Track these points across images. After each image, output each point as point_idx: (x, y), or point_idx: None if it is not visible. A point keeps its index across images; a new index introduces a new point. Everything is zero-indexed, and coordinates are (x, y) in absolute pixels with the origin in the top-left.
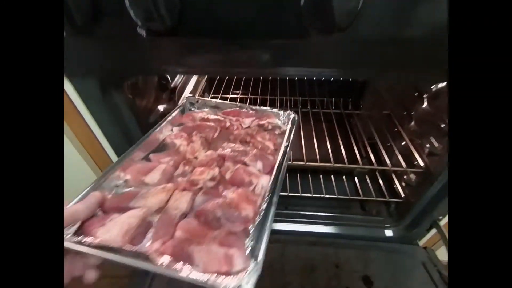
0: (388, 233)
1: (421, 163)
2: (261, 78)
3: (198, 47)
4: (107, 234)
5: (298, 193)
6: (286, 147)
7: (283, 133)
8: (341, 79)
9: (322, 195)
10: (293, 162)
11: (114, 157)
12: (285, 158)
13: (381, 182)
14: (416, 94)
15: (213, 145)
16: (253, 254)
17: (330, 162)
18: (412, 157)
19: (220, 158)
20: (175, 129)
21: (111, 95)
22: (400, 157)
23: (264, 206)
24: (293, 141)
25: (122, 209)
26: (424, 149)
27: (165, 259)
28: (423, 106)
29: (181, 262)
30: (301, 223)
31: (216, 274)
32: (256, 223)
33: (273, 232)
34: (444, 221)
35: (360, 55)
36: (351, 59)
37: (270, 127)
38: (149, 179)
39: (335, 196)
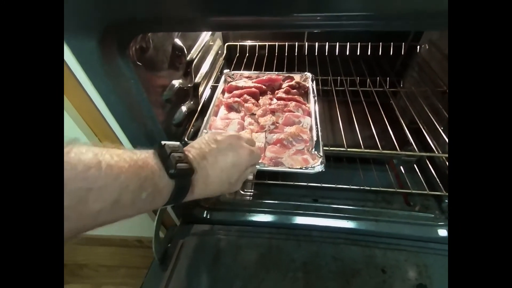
0: (442, 232)
1: None
2: (286, 56)
3: None
4: None
5: (332, 183)
6: (313, 97)
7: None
8: (379, 52)
9: (361, 187)
10: (331, 149)
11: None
12: (316, 105)
13: (433, 171)
14: None
15: (261, 103)
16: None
17: (376, 147)
18: None
19: (271, 111)
20: (226, 96)
21: (115, 60)
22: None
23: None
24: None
25: None
26: None
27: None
28: None
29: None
30: (334, 218)
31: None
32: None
33: (303, 228)
34: None
35: None
36: None
37: (297, 85)
38: (230, 129)
39: (376, 189)
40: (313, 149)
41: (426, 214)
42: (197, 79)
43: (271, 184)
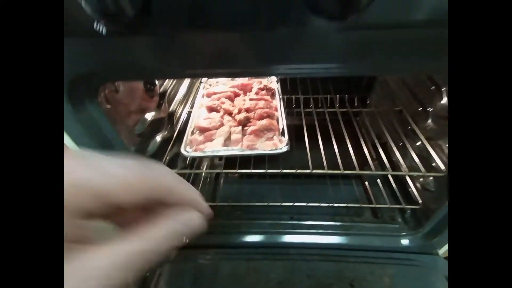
0: (405, 242)
1: (442, 166)
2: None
3: (175, 43)
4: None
5: (304, 202)
6: (279, 95)
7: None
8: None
9: (330, 204)
10: (298, 171)
11: None
12: (280, 101)
13: (394, 186)
14: (433, 87)
15: (236, 103)
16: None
17: (338, 168)
18: (430, 159)
19: (245, 110)
20: (206, 100)
21: (83, 106)
22: (416, 159)
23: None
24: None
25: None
26: (444, 150)
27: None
28: (442, 101)
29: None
30: (308, 234)
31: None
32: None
33: (280, 246)
34: None
35: (370, 45)
36: (361, 49)
37: (265, 88)
38: (213, 124)
39: (344, 205)
40: (281, 135)
41: (392, 225)
42: (172, 108)
43: (248, 206)
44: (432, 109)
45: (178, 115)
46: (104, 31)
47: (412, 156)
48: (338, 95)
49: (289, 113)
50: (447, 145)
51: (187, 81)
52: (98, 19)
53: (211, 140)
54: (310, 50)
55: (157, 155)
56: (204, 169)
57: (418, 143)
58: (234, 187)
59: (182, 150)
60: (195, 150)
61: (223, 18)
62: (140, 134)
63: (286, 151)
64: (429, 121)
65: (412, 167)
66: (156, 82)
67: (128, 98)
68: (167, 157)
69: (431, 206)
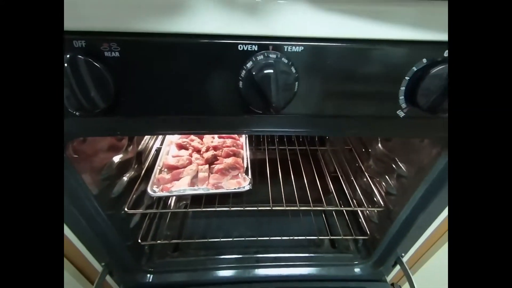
0: (358, 271)
1: (381, 201)
2: None
3: (143, 121)
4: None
5: (267, 236)
6: (245, 136)
7: None
8: None
9: (291, 237)
10: (260, 208)
11: None
12: (246, 139)
13: (347, 218)
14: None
15: (205, 141)
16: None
17: (295, 203)
18: (373, 194)
19: (213, 148)
20: (176, 137)
21: None
22: (361, 195)
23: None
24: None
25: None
26: (382, 188)
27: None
28: (378, 145)
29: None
30: (272, 267)
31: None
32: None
33: (245, 281)
34: (406, 258)
35: (302, 123)
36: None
37: None
38: (181, 162)
39: (304, 237)
40: (245, 174)
41: (346, 254)
42: (141, 147)
43: (214, 242)
44: (371, 151)
45: (147, 152)
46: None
47: (359, 192)
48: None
49: (253, 150)
50: (383, 184)
51: None
52: (76, 110)
53: (178, 179)
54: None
55: (123, 195)
56: (172, 207)
57: (364, 179)
58: (202, 223)
59: (149, 190)
60: (162, 190)
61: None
62: (106, 178)
63: (249, 189)
64: (371, 161)
65: (360, 201)
66: None
67: (96, 146)
68: (134, 196)
69: (377, 236)
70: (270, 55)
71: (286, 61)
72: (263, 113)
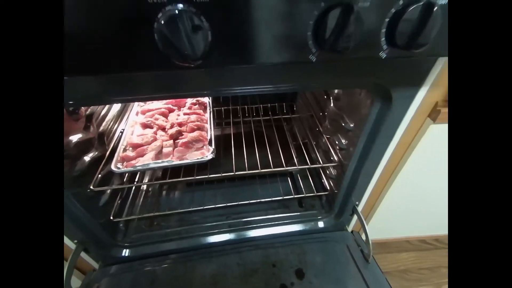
0: (321, 224)
1: (336, 158)
2: None
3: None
4: (145, 159)
5: (236, 201)
6: (209, 109)
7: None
8: None
9: (258, 200)
10: (223, 174)
11: None
12: (211, 114)
13: (310, 179)
14: (325, 96)
15: (170, 119)
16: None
17: (257, 168)
18: (330, 153)
19: (178, 124)
20: (140, 117)
21: None
22: (321, 155)
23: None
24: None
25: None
26: (336, 146)
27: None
28: (331, 106)
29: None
30: (243, 230)
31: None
32: (209, 139)
33: (217, 245)
34: (361, 207)
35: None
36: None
37: (197, 102)
38: (145, 140)
39: (270, 199)
40: (209, 145)
41: (312, 211)
42: (103, 127)
43: (188, 214)
44: (327, 113)
45: (111, 134)
46: None
47: (321, 152)
48: (269, 104)
49: (219, 124)
50: (337, 142)
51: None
52: None
53: (142, 155)
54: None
55: (87, 174)
56: (141, 181)
57: (323, 140)
58: (175, 199)
59: (113, 167)
60: (126, 166)
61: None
62: (64, 156)
63: (212, 158)
64: (326, 122)
65: (320, 160)
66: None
67: None
68: (99, 175)
69: (335, 190)
70: (178, 5)
71: (194, 9)
72: (185, 64)
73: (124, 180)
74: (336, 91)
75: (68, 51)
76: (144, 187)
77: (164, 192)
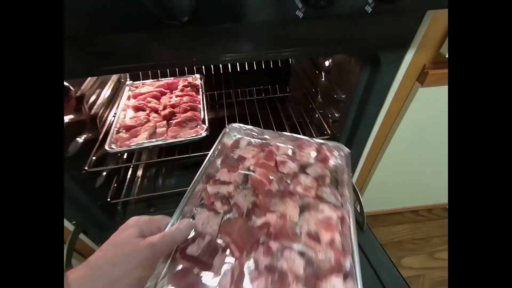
0: None
1: (329, 131)
2: (186, 72)
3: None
4: (139, 139)
5: None
6: (201, 91)
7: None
8: (262, 66)
9: None
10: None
11: None
12: (203, 95)
13: None
14: (317, 71)
15: (162, 102)
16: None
17: None
18: (323, 127)
19: (170, 106)
20: (132, 101)
21: None
22: (314, 130)
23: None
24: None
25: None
26: (328, 119)
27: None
28: (322, 80)
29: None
30: None
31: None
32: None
33: None
34: (354, 178)
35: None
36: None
37: (189, 84)
38: (139, 122)
39: None
40: (202, 124)
41: None
42: (94, 111)
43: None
44: (319, 88)
45: (104, 118)
46: None
47: (314, 127)
48: (262, 86)
49: (213, 107)
50: (329, 115)
51: (111, 84)
52: None
53: (136, 136)
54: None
55: (81, 155)
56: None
57: (316, 116)
58: (172, 180)
59: (106, 147)
60: (120, 147)
61: None
62: None
63: (207, 135)
64: (319, 97)
65: (316, 135)
66: (71, 87)
67: None
68: (93, 157)
69: None
70: None
71: None
72: (173, 21)
73: (119, 162)
74: (327, 64)
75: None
76: (140, 172)
77: (160, 176)
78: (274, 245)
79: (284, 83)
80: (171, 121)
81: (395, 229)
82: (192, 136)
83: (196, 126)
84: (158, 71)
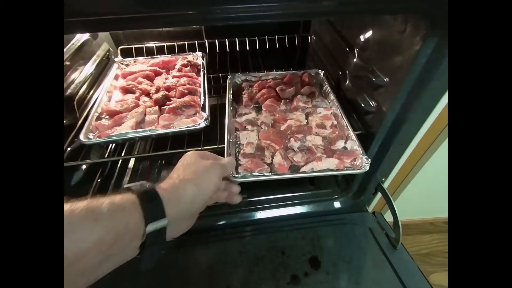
0: (337, 204)
1: (358, 125)
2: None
3: None
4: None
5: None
6: (203, 72)
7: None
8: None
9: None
10: (220, 146)
11: None
12: (205, 77)
13: None
14: (347, 48)
15: (156, 83)
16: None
17: None
18: (351, 119)
19: (165, 88)
20: (121, 81)
21: None
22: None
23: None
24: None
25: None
26: (360, 109)
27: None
28: (354, 60)
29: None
30: (247, 211)
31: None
32: (202, 105)
33: (216, 229)
34: (387, 183)
35: None
36: None
37: (189, 64)
38: (125, 106)
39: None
40: (202, 112)
41: (326, 190)
42: (71, 91)
43: None
44: (347, 71)
45: (85, 101)
46: None
47: None
48: (266, 71)
49: (216, 91)
50: (362, 104)
51: (96, 60)
52: None
53: (120, 124)
54: None
55: None
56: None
57: None
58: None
59: (82, 137)
60: (100, 136)
61: None
62: None
63: (206, 126)
64: (347, 82)
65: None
66: None
67: None
68: (68, 148)
69: None
70: None
71: None
72: None
73: (106, 156)
74: (362, 38)
75: None
76: (131, 164)
77: (154, 171)
78: (298, 135)
79: (299, 65)
80: (164, 107)
81: (422, 238)
82: (188, 127)
83: (195, 114)
84: (154, 46)
